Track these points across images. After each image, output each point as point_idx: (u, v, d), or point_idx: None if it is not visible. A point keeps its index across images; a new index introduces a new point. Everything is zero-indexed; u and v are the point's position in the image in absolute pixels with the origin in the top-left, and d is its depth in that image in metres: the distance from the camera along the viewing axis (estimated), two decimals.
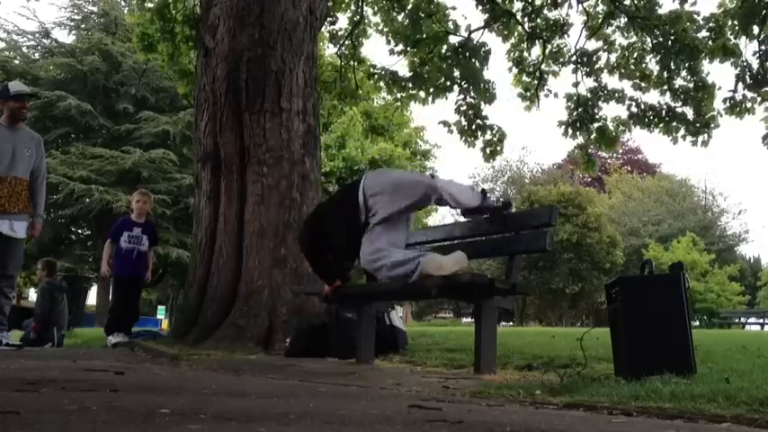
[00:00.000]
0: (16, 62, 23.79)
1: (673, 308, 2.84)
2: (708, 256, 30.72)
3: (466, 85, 9.56)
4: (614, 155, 46.57)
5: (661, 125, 9.51)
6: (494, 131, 10.03)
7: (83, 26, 25.15)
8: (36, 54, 24.74)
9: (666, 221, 35.31)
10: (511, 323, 28.21)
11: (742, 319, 24.16)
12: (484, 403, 2.25)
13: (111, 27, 24.28)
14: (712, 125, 9.28)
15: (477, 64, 9.36)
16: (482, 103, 9.79)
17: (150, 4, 9.20)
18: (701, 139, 9.38)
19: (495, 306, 3.68)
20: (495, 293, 3.64)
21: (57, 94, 21.64)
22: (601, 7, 9.60)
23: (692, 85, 9.18)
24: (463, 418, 1.72)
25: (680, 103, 9.37)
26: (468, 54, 9.27)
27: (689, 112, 9.36)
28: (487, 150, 10.14)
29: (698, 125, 9.30)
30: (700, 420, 1.89)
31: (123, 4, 25.00)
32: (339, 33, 10.36)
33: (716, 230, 36.74)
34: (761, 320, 22.23)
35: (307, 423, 1.59)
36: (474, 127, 9.94)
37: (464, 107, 9.83)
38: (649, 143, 75.01)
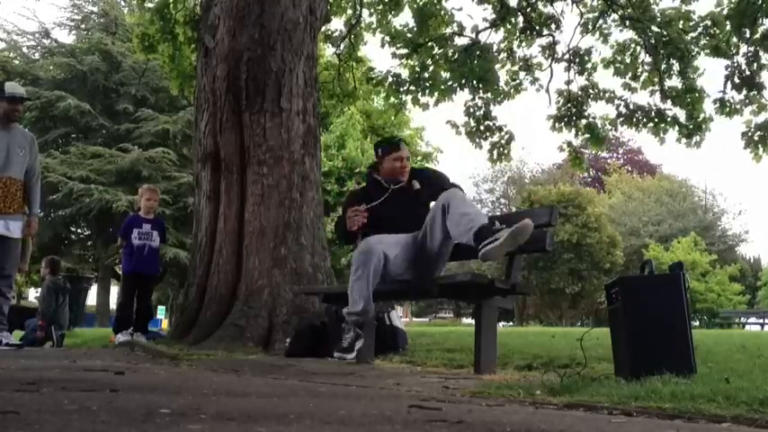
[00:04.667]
0: (16, 62, 23.79)
1: (673, 308, 2.84)
2: (708, 256, 30.73)
3: (477, 85, 9.54)
4: (615, 155, 46.69)
5: (649, 125, 9.54)
6: (502, 133, 10.02)
7: (83, 26, 25.15)
8: (36, 54, 24.74)
9: (667, 222, 35.31)
10: (511, 323, 28.25)
11: (742, 319, 24.16)
12: (484, 403, 2.25)
13: (111, 27, 24.27)
14: (704, 127, 9.32)
15: (489, 62, 9.35)
16: (491, 103, 9.79)
17: (150, 5, 9.19)
18: (694, 140, 9.40)
19: (495, 306, 3.68)
20: (495, 293, 3.64)
21: (56, 94, 21.63)
22: (595, 2, 9.62)
23: (680, 87, 9.21)
24: (463, 418, 1.72)
25: (669, 105, 9.40)
26: (478, 54, 9.25)
27: (681, 114, 9.39)
28: (494, 153, 10.13)
29: (691, 127, 9.34)
30: (700, 420, 1.89)
31: (123, 4, 25.00)
32: (336, 34, 10.35)
33: (716, 231, 36.75)
34: (761, 320, 22.22)
35: (307, 423, 1.59)
36: (483, 128, 9.93)
37: (473, 108, 9.82)
38: (650, 144, 75.03)
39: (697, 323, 27.44)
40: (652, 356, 2.77)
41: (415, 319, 38.51)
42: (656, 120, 9.46)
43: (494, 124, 9.95)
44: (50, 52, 24.40)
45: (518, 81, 9.95)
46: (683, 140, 9.42)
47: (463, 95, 9.73)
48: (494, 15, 9.40)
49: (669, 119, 9.40)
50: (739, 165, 64.71)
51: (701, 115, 9.23)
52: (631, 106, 9.65)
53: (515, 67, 9.98)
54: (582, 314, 33.60)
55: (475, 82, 9.46)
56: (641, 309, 2.88)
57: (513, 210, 32.78)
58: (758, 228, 69.30)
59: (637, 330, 2.86)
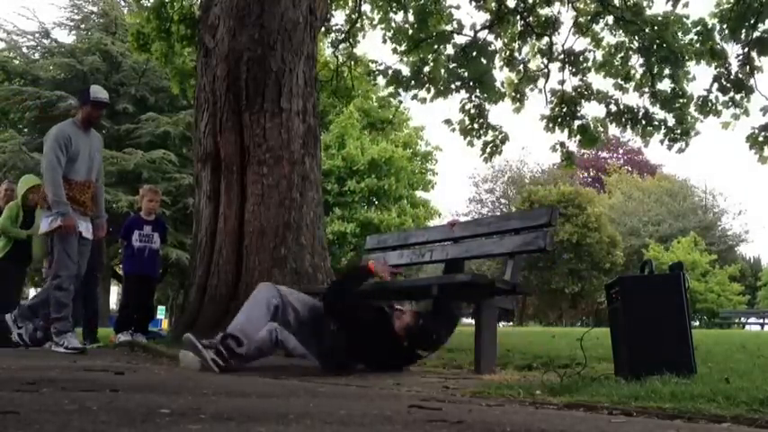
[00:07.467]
0: (16, 62, 23.77)
1: (673, 308, 2.84)
2: (708, 256, 30.75)
3: (473, 85, 9.53)
4: (615, 155, 46.71)
5: (636, 127, 9.60)
6: (496, 132, 10.05)
7: (83, 26, 25.13)
8: (36, 54, 24.71)
9: (667, 222, 35.34)
10: (511, 323, 28.26)
11: (742, 319, 24.19)
12: (484, 403, 2.25)
13: (111, 27, 24.25)
14: (692, 133, 9.38)
15: (486, 62, 9.35)
16: (487, 102, 9.81)
17: (148, 3, 9.18)
18: (678, 146, 9.48)
19: (495, 306, 3.68)
20: (495, 293, 3.64)
21: (57, 94, 21.60)
22: (591, 5, 9.62)
23: (670, 91, 9.24)
24: (463, 418, 1.72)
25: (658, 108, 9.44)
26: (475, 53, 9.25)
27: (670, 119, 9.43)
28: (487, 150, 10.16)
29: (677, 132, 9.39)
30: (700, 420, 1.89)
31: (123, 4, 24.99)
32: (336, 29, 10.36)
33: (716, 231, 36.77)
34: (761, 320, 22.26)
35: (307, 423, 1.59)
36: (477, 126, 9.96)
37: (468, 106, 9.84)
38: (650, 144, 74.86)
39: (697, 323, 27.47)
40: (652, 356, 2.77)
41: None
42: (644, 122, 9.52)
43: (488, 122, 9.98)
44: (50, 52, 24.37)
45: (522, 91, 9.96)
46: (666, 143, 9.48)
47: (460, 93, 9.77)
48: (491, 17, 9.40)
49: (656, 122, 9.47)
50: (739, 165, 64.67)
51: (689, 121, 9.26)
52: (621, 106, 9.70)
53: (515, 74, 9.98)
54: (582, 314, 33.61)
55: (472, 83, 9.48)
56: (641, 309, 2.88)
57: (513, 210, 32.78)
58: (758, 228, 69.37)
59: (637, 330, 2.86)
